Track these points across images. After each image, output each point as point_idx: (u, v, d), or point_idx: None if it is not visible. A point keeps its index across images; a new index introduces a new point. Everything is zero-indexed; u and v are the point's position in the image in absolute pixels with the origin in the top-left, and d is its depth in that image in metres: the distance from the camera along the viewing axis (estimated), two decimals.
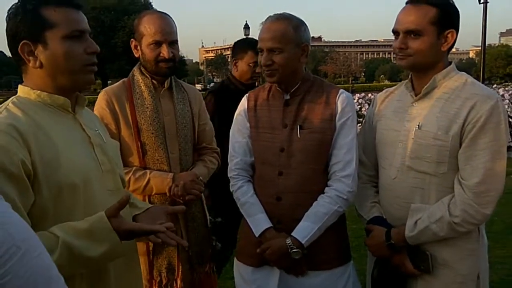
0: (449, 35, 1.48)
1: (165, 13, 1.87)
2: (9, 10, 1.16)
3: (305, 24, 1.72)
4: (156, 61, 1.80)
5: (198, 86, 57.54)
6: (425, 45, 1.47)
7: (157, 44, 1.79)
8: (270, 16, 1.72)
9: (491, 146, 1.41)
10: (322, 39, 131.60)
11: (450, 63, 1.55)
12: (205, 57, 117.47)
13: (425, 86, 1.52)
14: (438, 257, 1.52)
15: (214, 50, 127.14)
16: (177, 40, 1.86)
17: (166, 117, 1.86)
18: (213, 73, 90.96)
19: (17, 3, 1.16)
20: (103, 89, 1.92)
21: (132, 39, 1.88)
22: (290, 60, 1.66)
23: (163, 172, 1.83)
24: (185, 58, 60.13)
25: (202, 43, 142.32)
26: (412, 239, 1.52)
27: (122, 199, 1.08)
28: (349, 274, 1.78)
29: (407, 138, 1.55)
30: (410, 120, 1.56)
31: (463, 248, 1.51)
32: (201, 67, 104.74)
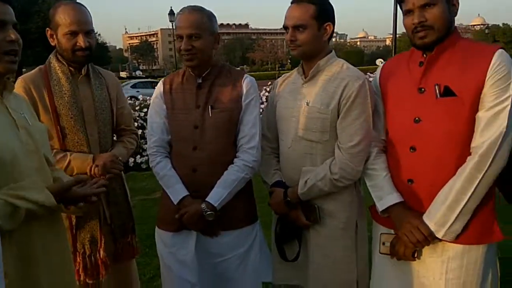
0: (328, 27, 1.80)
1: (80, 3, 1.98)
2: None
3: (215, 16, 1.97)
4: (73, 50, 1.92)
5: (123, 74, 55.23)
6: (309, 37, 1.77)
7: (73, 34, 1.91)
8: (185, 7, 1.93)
9: (360, 116, 1.74)
10: (249, 26, 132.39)
11: (331, 51, 1.87)
12: (129, 43, 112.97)
13: (311, 70, 1.84)
14: (325, 209, 1.85)
15: (139, 36, 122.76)
16: (93, 30, 1.98)
17: (84, 102, 1.99)
18: (139, 60, 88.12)
19: None
20: (20, 77, 1.99)
21: (47, 28, 1.97)
22: (206, 46, 1.89)
23: (83, 154, 1.97)
24: (108, 44, 57.58)
25: (126, 29, 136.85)
26: (303, 195, 1.83)
27: (79, 178, 1.33)
28: (256, 231, 2.08)
29: (299, 114, 1.85)
30: (301, 99, 1.86)
31: (343, 200, 1.85)
32: (126, 54, 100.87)
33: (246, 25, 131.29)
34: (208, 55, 1.92)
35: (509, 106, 1.44)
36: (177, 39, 1.91)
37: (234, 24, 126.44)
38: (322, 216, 1.85)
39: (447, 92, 1.52)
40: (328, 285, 1.87)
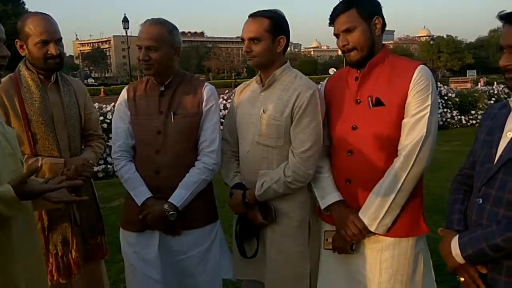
0: (281, 40, 1.97)
1: (47, 14, 2.06)
2: None
3: (177, 29, 2.09)
4: (44, 59, 2.00)
5: None
6: (263, 48, 1.94)
7: (44, 43, 1.98)
8: (148, 19, 2.05)
9: (311, 124, 1.91)
10: (205, 34, 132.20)
11: (286, 61, 2.04)
12: (80, 50, 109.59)
13: (267, 80, 2.00)
14: (280, 209, 2.00)
15: (90, 43, 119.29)
16: (61, 38, 2.06)
17: (54, 108, 2.06)
18: (90, 68, 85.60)
19: None
20: None
21: (17, 40, 2.03)
22: (164, 58, 2.01)
23: (54, 158, 2.04)
24: None
25: (77, 35, 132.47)
26: (260, 197, 1.97)
27: (31, 168, 1.33)
28: (217, 231, 2.20)
29: (256, 120, 2.00)
30: (258, 106, 2.01)
31: (296, 200, 2.00)
32: (77, 61, 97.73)
33: (202, 34, 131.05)
34: (166, 65, 2.04)
35: (429, 113, 1.69)
36: (139, 49, 2.02)
37: (190, 32, 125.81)
38: (278, 216, 1.99)
39: (378, 102, 1.76)
40: (283, 279, 2.01)
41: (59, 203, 1.54)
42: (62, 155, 2.07)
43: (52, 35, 2.01)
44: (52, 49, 2.00)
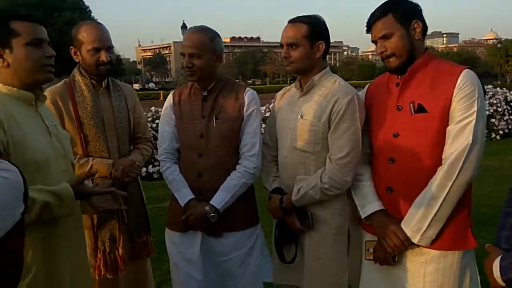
0: (320, 45, 1.96)
1: (100, 23, 2.21)
2: None
3: (220, 36, 2.15)
4: (96, 65, 2.13)
5: (136, 86, 56.00)
6: (301, 54, 1.94)
7: (96, 50, 2.11)
8: (191, 27, 2.14)
9: (349, 130, 1.89)
10: (261, 39, 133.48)
11: (325, 67, 2.03)
12: (142, 56, 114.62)
13: (306, 85, 2.00)
14: (317, 215, 1.99)
15: (151, 49, 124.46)
16: (112, 45, 2.19)
17: (105, 112, 2.19)
18: (151, 73, 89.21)
19: None
20: (47, 89, 2.18)
21: (71, 47, 2.18)
22: (206, 64, 2.07)
23: (104, 159, 2.16)
24: (122, 57, 58.60)
25: (139, 41, 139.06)
26: (297, 202, 1.97)
27: (90, 172, 1.48)
28: (258, 234, 2.23)
29: (294, 125, 2.01)
30: (296, 112, 2.02)
31: (334, 207, 1.98)
32: (139, 66, 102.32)
33: (258, 39, 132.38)
34: (208, 71, 2.10)
35: (475, 120, 1.60)
36: (183, 56, 2.10)
37: (246, 37, 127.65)
38: (315, 222, 1.99)
39: (420, 109, 1.70)
40: (320, 286, 2.00)
41: (99, 210, 1.65)
42: (111, 156, 2.18)
43: (103, 42, 2.14)
44: (103, 56, 2.13)
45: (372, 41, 1.81)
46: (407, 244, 1.71)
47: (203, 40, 2.06)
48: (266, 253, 2.29)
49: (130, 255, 2.24)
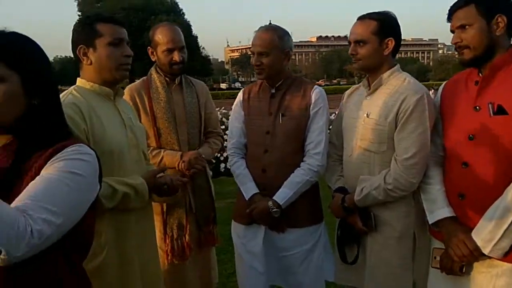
0: (389, 42, 1.90)
1: (174, 25, 2.35)
2: (75, 23, 1.66)
3: (289, 34, 2.19)
4: (170, 64, 2.29)
5: (223, 85, 57.96)
6: (369, 51, 1.90)
7: (170, 51, 2.27)
8: (261, 26, 2.20)
9: (416, 130, 1.81)
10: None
11: (395, 65, 1.96)
12: (230, 56, 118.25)
13: (373, 83, 1.96)
14: (381, 217, 1.93)
15: (239, 49, 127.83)
16: (184, 46, 2.33)
17: (177, 107, 2.33)
18: (238, 72, 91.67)
19: (80, 19, 1.68)
20: (128, 86, 2.40)
21: (149, 47, 2.36)
22: (274, 62, 2.12)
23: (174, 151, 2.31)
24: (211, 57, 60.94)
25: (227, 42, 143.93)
26: (359, 202, 1.94)
27: (160, 167, 1.66)
28: (321, 232, 2.23)
29: (360, 124, 1.97)
30: (363, 110, 1.98)
31: (399, 210, 1.91)
32: (227, 66, 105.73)
33: (345, 37, 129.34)
34: (277, 69, 2.14)
35: None
36: (252, 55, 2.16)
37: (333, 36, 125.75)
38: (378, 224, 1.94)
39: (500, 110, 1.56)
40: None
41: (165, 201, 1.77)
42: (181, 149, 2.32)
43: (176, 43, 2.29)
44: (176, 56, 2.28)
45: (450, 31, 1.70)
46: (477, 255, 1.59)
47: (272, 39, 2.10)
48: (329, 252, 2.28)
49: (196, 243, 2.36)
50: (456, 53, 1.78)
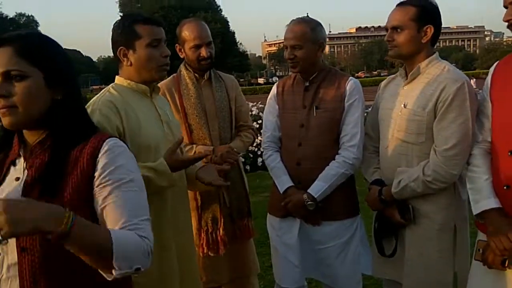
0: (428, 30, 1.84)
1: (200, 21, 2.36)
2: (114, 24, 1.71)
3: (321, 25, 2.17)
4: (198, 60, 2.29)
5: (261, 80, 57.89)
6: (406, 38, 1.84)
7: (197, 47, 2.27)
8: (293, 19, 2.18)
9: (457, 120, 1.75)
10: None
11: (433, 53, 1.90)
12: (267, 51, 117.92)
13: (411, 73, 1.90)
14: (420, 210, 1.89)
15: (276, 43, 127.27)
16: (211, 41, 2.33)
17: (207, 102, 2.34)
18: (276, 67, 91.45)
19: (119, 20, 1.72)
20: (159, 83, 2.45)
21: (176, 44, 2.36)
22: (308, 55, 2.11)
23: (206, 146, 2.33)
24: (248, 53, 60.97)
25: (265, 37, 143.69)
26: (396, 194, 1.90)
27: (178, 140, 1.61)
28: (357, 225, 2.21)
29: (396, 115, 1.93)
30: (399, 101, 1.93)
31: (439, 202, 1.86)
32: (264, 61, 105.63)
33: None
34: (311, 62, 2.12)
35: None
36: (285, 49, 2.15)
37: (373, 26, 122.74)
38: (417, 216, 1.89)
39: None
40: (421, 284, 1.90)
41: (210, 185, 1.80)
42: (213, 144, 2.33)
43: (203, 39, 2.28)
44: (203, 52, 2.28)
45: (504, 6, 1.58)
46: None
47: (304, 31, 2.09)
48: (366, 245, 2.26)
49: (231, 236, 2.36)
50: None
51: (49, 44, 1.14)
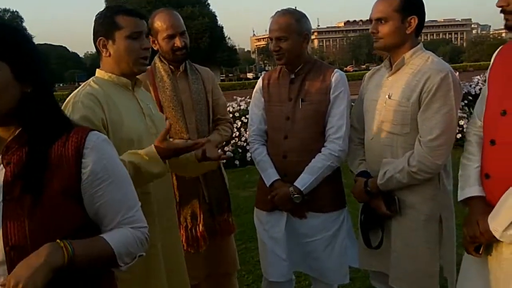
0: (412, 20, 1.83)
1: (171, 10, 2.28)
2: (96, 15, 1.67)
3: (306, 17, 2.15)
4: (172, 51, 2.21)
5: (250, 75, 57.67)
6: (390, 29, 1.83)
7: (171, 37, 2.19)
8: (277, 11, 2.16)
9: (441, 110, 1.75)
10: None
11: (418, 43, 1.90)
12: (256, 45, 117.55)
13: (395, 64, 1.90)
14: (406, 201, 1.89)
15: (265, 38, 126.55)
16: (185, 30, 2.25)
17: (183, 95, 2.27)
18: (265, 61, 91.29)
19: (102, 10, 1.68)
20: None
21: (149, 35, 2.23)
22: (293, 46, 2.09)
23: (184, 139, 2.28)
24: (237, 47, 60.46)
25: (254, 31, 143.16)
26: (382, 186, 1.90)
27: (166, 128, 1.56)
28: (344, 218, 2.21)
29: (381, 106, 1.92)
30: (384, 92, 1.93)
31: (424, 193, 1.86)
32: (253, 56, 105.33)
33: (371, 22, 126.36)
34: (296, 54, 2.10)
35: None
36: (270, 41, 2.13)
37: (361, 20, 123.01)
38: (403, 207, 1.89)
39: None
40: (408, 275, 1.91)
41: (217, 159, 1.77)
42: (190, 137, 2.26)
43: (177, 29, 2.21)
44: (177, 42, 2.20)
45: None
46: (487, 237, 1.47)
47: (289, 22, 2.07)
48: (353, 238, 2.26)
49: (211, 232, 2.31)
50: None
51: (14, 35, 1.10)
